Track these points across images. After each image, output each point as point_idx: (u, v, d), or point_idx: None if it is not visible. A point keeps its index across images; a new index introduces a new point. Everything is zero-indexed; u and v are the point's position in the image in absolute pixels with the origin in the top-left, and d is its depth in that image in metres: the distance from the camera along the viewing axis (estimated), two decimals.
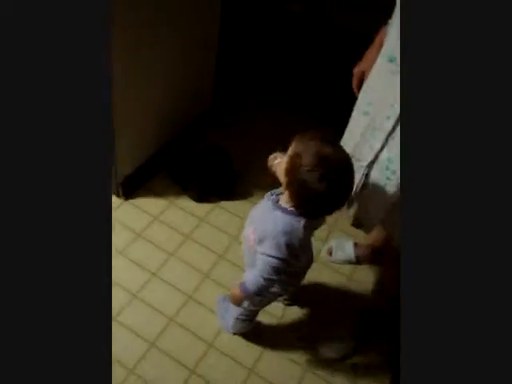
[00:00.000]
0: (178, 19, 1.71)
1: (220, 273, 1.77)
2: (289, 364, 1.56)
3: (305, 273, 1.42)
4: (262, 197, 1.29)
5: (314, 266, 1.42)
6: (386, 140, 1.30)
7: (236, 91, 2.51)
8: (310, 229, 1.21)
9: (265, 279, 1.20)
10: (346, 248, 1.85)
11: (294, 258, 1.20)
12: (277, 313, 1.68)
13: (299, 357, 1.58)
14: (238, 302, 1.32)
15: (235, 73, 2.54)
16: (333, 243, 1.88)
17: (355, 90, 1.45)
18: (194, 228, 1.89)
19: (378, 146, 1.33)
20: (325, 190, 1.06)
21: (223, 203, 1.99)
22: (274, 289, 1.33)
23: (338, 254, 1.86)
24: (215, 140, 2.17)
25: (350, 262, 1.85)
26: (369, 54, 1.39)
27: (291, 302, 1.69)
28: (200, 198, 1.98)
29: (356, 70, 1.44)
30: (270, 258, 1.17)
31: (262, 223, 1.21)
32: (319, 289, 1.77)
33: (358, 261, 1.84)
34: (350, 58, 1.51)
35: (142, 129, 1.86)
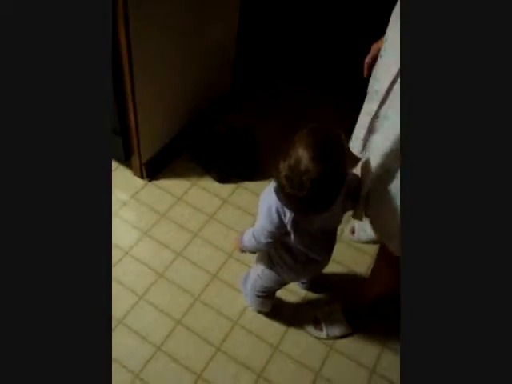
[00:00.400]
0: (198, 4, 1.70)
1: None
2: (314, 342, 1.58)
3: (315, 264, 1.39)
4: None
5: (337, 246, 1.41)
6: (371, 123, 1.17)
7: (256, 73, 2.49)
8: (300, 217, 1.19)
9: (255, 238, 1.25)
10: (367, 228, 1.84)
11: (279, 228, 1.19)
12: (300, 291, 1.70)
13: None
14: (237, 248, 1.38)
15: (255, 54, 2.53)
16: (356, 223, 1.87)
17: (365, 68, 1.33)
18: (217, 208, 1.91)
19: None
20: (301, 196, 1.05)
21: (246, 184, 2.00)
22: (279, 269, 1.36)
23: (361, 234, 1.85)
24: (236, 123, 2.17)
25: (373, 242, 1.84)
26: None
27: (311, 289, 1.71)
28: (223, 178, 1.99)
29: (374, 47, 1.32)
30: (258, 221, 1.22)
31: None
32: (342, 268, 1.78)
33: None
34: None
35: (163, 111, 1.87)
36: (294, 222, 1.18)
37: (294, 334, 1.60)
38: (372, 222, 1.29)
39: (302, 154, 1.02)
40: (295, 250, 1.29)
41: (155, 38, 1.59)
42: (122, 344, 1.51)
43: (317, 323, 1.60)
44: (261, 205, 1.20)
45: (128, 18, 1.42)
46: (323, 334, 1.58)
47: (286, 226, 1.19)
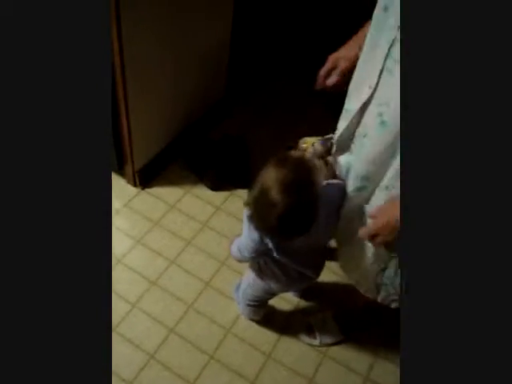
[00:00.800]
0: (191, 9, 1.71)
1: None
2: (307, 349, 1.59)
3: (305, 279, 1.38)
4: None
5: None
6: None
7: (250, 78, 2.50)
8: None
9: (239, 251, 1.25)
10: None
11: (260, 245, 1.18)
12: (292, 299, 1.70)
13: None
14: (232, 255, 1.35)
15: (249, 60, 2.54)
16: None
17: (319, 80, 1.22)
18: (210, 216, 1.91)
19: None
20: (269, 227, 1.06)
21: (239, 191, 2.01)
22: (269, 281, 1.36)
23: None
24: (230, 128, 2.18)
25: None
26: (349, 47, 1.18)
27: (303, 296, 1.71)
28: (216, 186, 1.99)
29: (331, 59, 1.19)
30: (243, 235, 1.21)
31: None
32: (333, 276, 1.78)
33: None
34: None
35: (157, 118, 1.88)
36: (275, 241, 1.17)
37: (286, 341, 1.60)
38: (343, 264, 1.31)
39: (268, 188, 1.02)
40: (285, 263, 1.28)
41: (148, 43, 1.60)
42: (116, 352, 1.50)
43: (310, 331, 1.60)
44: (244, 219, 1.18)
45: (120, 24, 1.42)
46: (316, 342, 1.59)
47: (267, 244, 1.18)
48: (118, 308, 1.61)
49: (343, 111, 1.14)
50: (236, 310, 1.63)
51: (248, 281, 1.45)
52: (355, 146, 1.10)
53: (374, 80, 0.97)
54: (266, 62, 2.58)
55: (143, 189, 1.97)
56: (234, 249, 1.29)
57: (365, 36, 1.03)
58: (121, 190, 1.95)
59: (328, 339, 1.59)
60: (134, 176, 1.93)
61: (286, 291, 1.63)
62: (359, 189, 1.10)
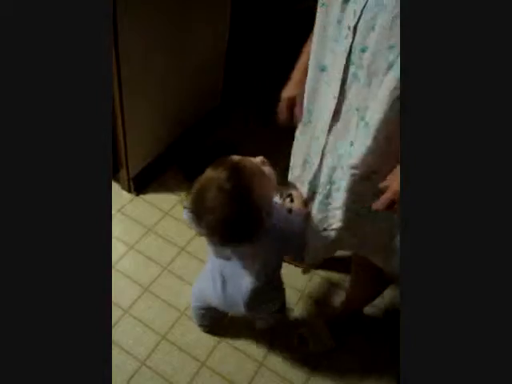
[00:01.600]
0: (187, 17, 1.72)
1: None
2: (298, 358, 1.58)
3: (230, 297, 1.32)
4: None
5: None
6: (322, 154, 1.09)
7: (246, 88, 2.51)
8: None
9: None
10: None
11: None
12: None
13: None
14: None
15: (245, 69, 2.55)
16: None
17: (282, 116, 1.23)
18: None
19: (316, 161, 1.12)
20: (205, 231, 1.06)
21: None
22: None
23: None
24: (225, 136, 2.19)
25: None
26: (296, 74, 1.20)
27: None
28: None
29: (287, 97, 1.20)
30: None
31: None
32: (323, 281, 1.78)
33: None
34: None
35: (152, 125, 1.88)
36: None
37: (278, 350, 1.60)
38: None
39: (205, 191, 1.02)
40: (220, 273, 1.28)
41: (144, 50, 1.61)
42: None
43: (302, 339, 1.60)
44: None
45: (117, 29, 1.43)
46: (308, 350, 1.58)
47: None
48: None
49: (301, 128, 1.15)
50: (229, 317, 1.63)
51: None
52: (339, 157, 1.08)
53: (336, 90, 0.97)
54: (263, 70, 2.60)
55: (137, 195, 1.97)
56: None
57: (305, 64, 1.08)
58: (115, 195, 1.95)
59: (320, 347, 1.59)
60: (128, 182, 1.92)
61: (222, 310, 1.47)
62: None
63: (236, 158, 1.08)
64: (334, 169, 1.07)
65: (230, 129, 2.29)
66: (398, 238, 1.11)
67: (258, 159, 1.12)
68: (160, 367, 1.51)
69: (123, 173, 1.89)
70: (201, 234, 1.12)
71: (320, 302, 1.73)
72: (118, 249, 1.79)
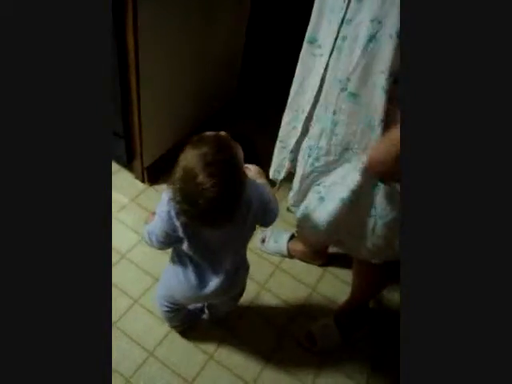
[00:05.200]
0: (207, 7, 1.71)
1: None
2: (305, 356, 1.58)
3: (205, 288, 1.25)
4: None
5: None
6: (306, 127, 1.18)
7: (263, 81, 2.50)
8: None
9: (148, 233, 1.17)
10: (279, 239, 1.80)
11: (172, 230, 1.11)
12: (292, 302, 1.69)
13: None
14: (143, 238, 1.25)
15: (262, 62, 2.54)
16: (268, 232, 1.82)
17: None
18: None
19: (299, 130, 1.21)
20: (195, 212, 1.00)
21: None
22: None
23: (271, 243, 1.81)
24: (240, 129, 2.17)
25: (281, 255, 1.80)
26: None
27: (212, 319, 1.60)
28: None
29: None
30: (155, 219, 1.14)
31: None
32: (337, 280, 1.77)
33: (290, 255, 1.80)
34: None
35: (168, 116, 1.88)
36: (190, 229, 1.10)
37: (285, 347, 1.59)
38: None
39: (191, 170, 0.98)
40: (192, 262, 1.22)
41: (163, 41, 1.60)
42: (115, 347, 1.50)
43: (310, 336, 1.59)
44: (162, 204, 1.12)
45: (137, 17, 1.42)
46: (316, 348, 1.57)
47: (178, 230, 1.10)
48: (120, 303, 1.61)
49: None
50: (238, 310, 1.62)
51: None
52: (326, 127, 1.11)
53: (325, 61, 1.03)
54: (279, 66, 2.58)
55: (151, 185, 1.97)
56: (145, 231, 1.19)
57: None
58: (129, 184, 1.95)
59: (329, 344, 1.58)
60: (142, 172, 1.93)
61: (191, 303, 1.49)
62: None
63: (211, 132, 1.07)
64: (319, 136, 1.12)
65: (245, 123, 2.28)
66: (369, 226, 1.15)
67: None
68: (168, 358, 1.51)
69: (137, 163, 1.89)
70: (189, 217, 1.04)
71: (330, 299, 1.72)
72: (130, 238, 1.79)
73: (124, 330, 1.55)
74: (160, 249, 1.22)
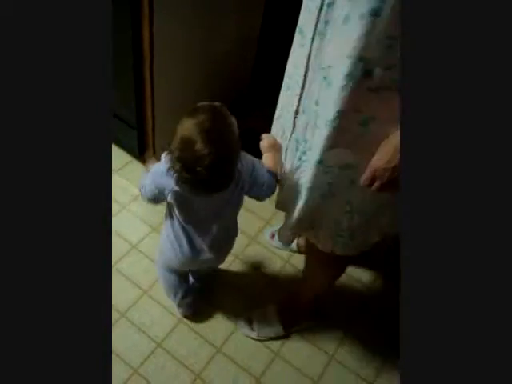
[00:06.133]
0: (221, 1, 1.70)
1: (251, 254, 1.79)
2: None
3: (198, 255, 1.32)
4: None
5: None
6: (294, 119, 1.12)
7: (275, 76, 2.49)
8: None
9: (142, 185, 1.25)
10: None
11: (160, 192, 1.18)
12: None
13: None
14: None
15: (275, 57, 2.52)
16: (277, 228, 1.79)
17: None
18: None
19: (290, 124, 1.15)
20: (197, 178, 1.04)
21: None
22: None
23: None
24: (252, 124, 2.17)
25: (290, 250, 1.80)
26: None
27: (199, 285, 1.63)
28: None
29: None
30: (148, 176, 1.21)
31: None
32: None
33: (299, 250, 1.79)
34: None
35: (180, 108, 1.86)
36: (176, 194, 1.15)
37: (293, 339, 1.60)
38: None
39: (189, 139, 1.01)
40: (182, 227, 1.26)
41: (177, 35, 1.60)
42: (124, 336, 1.52)
43: (249, 322, 1.58)
44: (158, 166, 1.17)
45: (153, 14, 1.42)
46: (254, 334, 1.57)
47: (166, 196, 1.17)
48: (130, 294, 1.62)
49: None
50: (247, 302, 1.63)
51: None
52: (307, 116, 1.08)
53: (307, 49, 0.97)
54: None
55: None
56: (140, 182, 1.27)
57: None
58: (140, 175, 1.95)
59: (267, 332, 1.57)
60: (154, 163, 1.93)
61: (183, 268, 1.50)
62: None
63: (206, 102, 1.11)
64: (305, 129, 1.07)
65: (256, 116, 2.27)
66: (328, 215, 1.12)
67: None
68: (176, 350, 1.52)
69: (149, 154, 1.90)
70: (186, 184, 1.08)
71: (336, 291, 1.70)
72: (140, 229, 1.80)
73: (133, 321, 1.56)
74: (150, 203, 1.29)
